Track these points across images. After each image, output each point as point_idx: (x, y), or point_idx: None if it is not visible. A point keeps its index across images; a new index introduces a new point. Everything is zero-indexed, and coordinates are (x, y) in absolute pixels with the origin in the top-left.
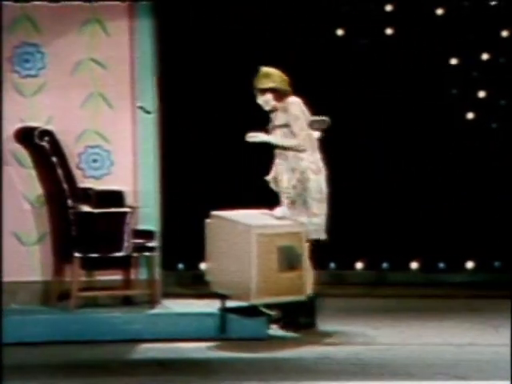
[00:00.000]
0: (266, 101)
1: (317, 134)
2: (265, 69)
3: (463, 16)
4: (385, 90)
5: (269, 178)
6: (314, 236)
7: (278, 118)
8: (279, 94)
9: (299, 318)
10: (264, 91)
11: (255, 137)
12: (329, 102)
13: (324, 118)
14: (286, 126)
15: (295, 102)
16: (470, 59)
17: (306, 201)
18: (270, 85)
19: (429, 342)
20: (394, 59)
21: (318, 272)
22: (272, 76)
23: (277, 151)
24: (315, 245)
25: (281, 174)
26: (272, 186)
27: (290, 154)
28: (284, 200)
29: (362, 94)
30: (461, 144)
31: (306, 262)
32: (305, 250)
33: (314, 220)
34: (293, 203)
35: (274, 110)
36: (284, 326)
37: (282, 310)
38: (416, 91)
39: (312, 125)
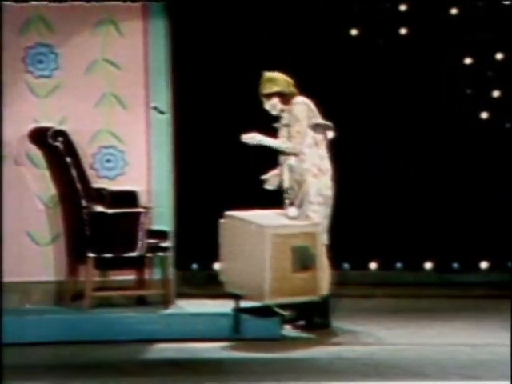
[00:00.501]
0: (272, 105)
1: (330, 135)
2: (268, 74)
3: (477, 15)
4: (399, 90)
5: (266, 177)
6: None
7: (284, 118)
8: (285, 97)
9: (313, 318)
10: (270, 96)
11: (250, 138)
12: (343, 102)
13: (328, 123)
14: (288, 125)
15: (300, 103)
16: (485, 59)
17: (303, 203)
18: (275, 89)
19: (443, 342)
20: (408, 59)
21: (332, 272)
22: (276, 80)
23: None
24: None
25: (283, 174)
26: (267, 186)
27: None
28: (285, 200)
29: (375, 93)
30: (475, 143)
31: (321, 262)
32: (319, 250)
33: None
34: (291, 204)
35: (282, 112)
36: (298, 327)
37: (296, 311)
38: (430, 91)
39: (315, 128)
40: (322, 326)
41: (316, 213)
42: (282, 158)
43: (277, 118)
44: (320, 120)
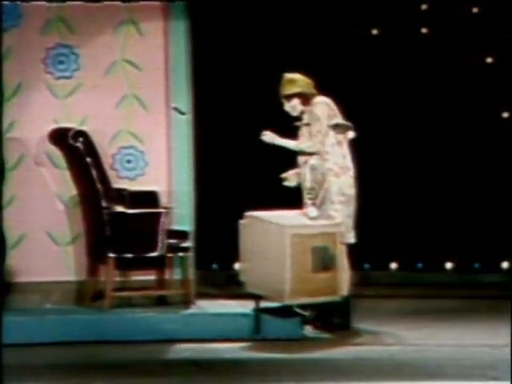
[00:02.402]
0: (292, 106)
1: (350, 135)
2: (288, 75)
3: (499, 14)
4: (418, 90)
5: (285, 175)
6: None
7: (305, 117)
8: (306, 98)
9: (334, 318)
10: (290, 97)
11: (269, 137)
12: (362, 101)
13: (348, 123)
14: (308, 124)
15: (320, 102)
16: (505, 58)
17: (324, 202)
18: (295, 90)
19: (464, 343)
20: (429, 58)
21: (352, 273)
22: (296, 81)
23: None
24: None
25: (304, 174)
26: (286, 183)
27: (314, 155)
28: (306, 200)
29: (397, 92)
30: (496, 143)
31: (342, 263)
32: (339, 250)
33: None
34: (313, 204)
35: (302, 114)
36: (318, 327)
37: (316, 311)
38: (451, 90)
39: (335, 128)
40: (342, 326)
41: (338, 212)
42: (301, 159)
43: (297, 118)
44: (340, 120)
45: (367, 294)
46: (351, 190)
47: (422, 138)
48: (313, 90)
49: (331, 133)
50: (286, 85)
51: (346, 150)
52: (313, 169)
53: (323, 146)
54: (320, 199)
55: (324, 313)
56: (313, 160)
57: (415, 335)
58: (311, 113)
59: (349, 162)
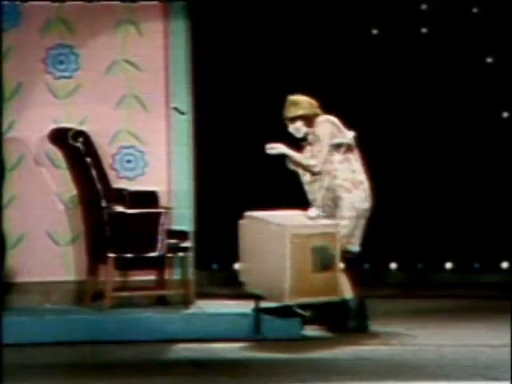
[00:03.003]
0: (296, 128)
1: (350, 135)
2: (292, 97)
3: (499, 14)
4: (420, 89)
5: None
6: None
7: (309, 138)
8: (309, 120)
9: (348, 321)
10: (294, 119)
11: (274, 148)
12: (363, 102)
13: (349, 139)
14: (312, 144)
15: (322, 122)
16: (506, 58)
17: (335, 217)
18: (299, 112)
19: (464, 343)
20: (429, 58)
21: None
22: (300, 103)
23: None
24: (348, 256)
25: (314, 193)
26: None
27: (325, 174)
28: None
29: (396, 93)
30: (496, 143)
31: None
32: (338, 250)
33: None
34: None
35: (306, 135)
36: (327, 327)
37: (316, 311)
38: (451, 90)
39: (337, 147)
40: (358, 328)
41: (345, 227)
42: (301, 173)
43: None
44: (343, 138)
45: (367, 294)
46: (364, 204)
47: (422, 137)
48: (317, 111)
49: (335, 151)
50: (289, 107)
51: (355, 165)
52: (326, 188)
53: (331, 164)
54: (333, 214)
55: (325, 313)
56: (325, 182)
57: (415, 335)
58: (313, 133)
59: (360, 176)
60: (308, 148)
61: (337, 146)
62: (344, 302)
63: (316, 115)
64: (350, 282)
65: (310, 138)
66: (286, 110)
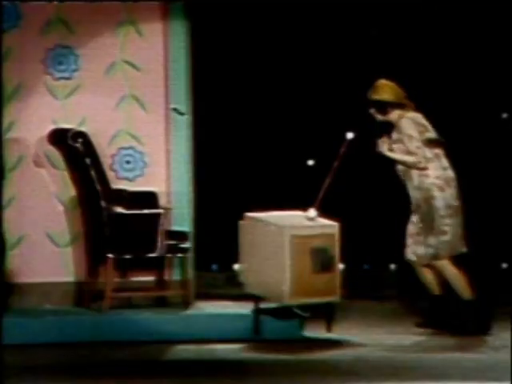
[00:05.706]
0: (372, 113)
1: (349, 136)
2: (379, 81)
3: (497, 15)
4: (420, 89)
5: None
6: (451, 253)
7: (393, 133)
8: (384, 108)
9: (468, 322)
10: (371, 103)
11: (382, 148)
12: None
13: (440, 137)
14: (398, 142)
15: (407, 121)
16: (505, 58)
17: (434, 219)
18: (374, 97)
19: (464, 343)
20: (429, 58)
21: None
22: (379, 88)
23: (400, 169)
24: (456, 259)
25: (409, 191)
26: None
27: (415, 172)
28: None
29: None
30: (496, 143)
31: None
32: (337, 251)
33: (443, 238)
34: (422, 221)
35: (388, 122)
36: (452, 332)
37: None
38: (450, 90)
39: (427, 144)
40: (480, 329)
41: (450, 226)
42: (400, 169)
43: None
44: (431, 134)
45: (367, 294)
46: (457, 202)
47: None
48: (397, 100)
49: (426, 148)
50: (372, 90)
51: (444, 162)
52: (418, 188)
53: (426, 162)
54: (430, 216)
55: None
56: (414, 181)
57: (415, 336)
58: (400, 132)
59: (450, 173)
60: (395, 147)
61: (426, 143)
62: (463, 304)
63: (397, 104)
64: (466, 282)
65: (395, 134)
66: (372, 92)
